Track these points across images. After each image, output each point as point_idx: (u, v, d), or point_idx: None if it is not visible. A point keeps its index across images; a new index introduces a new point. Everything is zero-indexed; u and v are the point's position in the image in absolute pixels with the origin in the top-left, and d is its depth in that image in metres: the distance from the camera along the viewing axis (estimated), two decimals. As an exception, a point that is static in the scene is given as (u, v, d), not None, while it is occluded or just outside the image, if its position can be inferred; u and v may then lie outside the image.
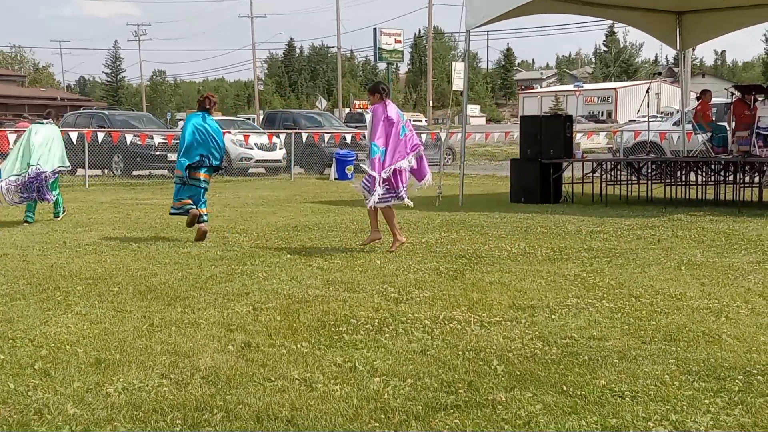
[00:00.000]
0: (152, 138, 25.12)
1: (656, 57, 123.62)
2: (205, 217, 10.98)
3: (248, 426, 4.23)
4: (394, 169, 9.82)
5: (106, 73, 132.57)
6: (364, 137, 28.17)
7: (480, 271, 8.44)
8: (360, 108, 71.00)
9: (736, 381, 4.82)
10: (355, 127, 33.18)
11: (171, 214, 11.26)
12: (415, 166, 10.09)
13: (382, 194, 9.78)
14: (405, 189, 10.00)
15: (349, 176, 25.91)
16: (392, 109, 9.84)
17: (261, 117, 50.13)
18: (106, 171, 25.63)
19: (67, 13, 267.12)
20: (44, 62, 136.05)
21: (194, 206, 10.88)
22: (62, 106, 71.97)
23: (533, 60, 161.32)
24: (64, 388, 4.78)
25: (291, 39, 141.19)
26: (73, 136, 23.69)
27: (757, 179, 15.80)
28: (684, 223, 12.44)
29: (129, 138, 23.91)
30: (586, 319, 6.37)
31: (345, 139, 27.90)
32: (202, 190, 11.00)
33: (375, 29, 78.45)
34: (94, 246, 10.46)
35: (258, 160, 27.79)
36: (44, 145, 13.16)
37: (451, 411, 4.39)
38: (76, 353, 5.46)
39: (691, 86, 25.43)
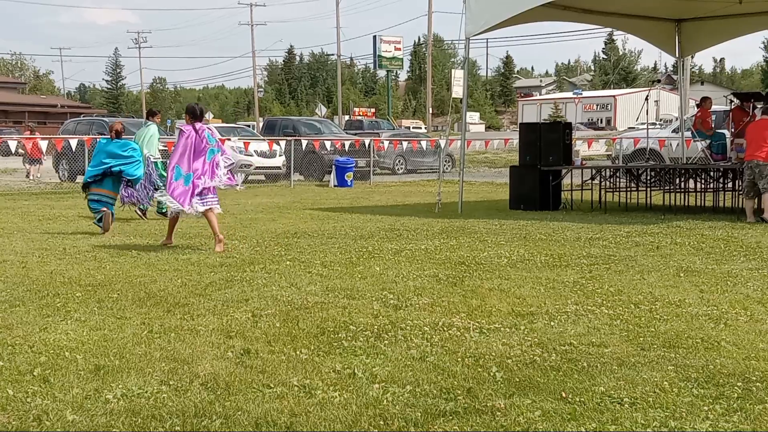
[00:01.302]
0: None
1: (655, 64, 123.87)
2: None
3: (247, 432, 4.23)
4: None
5: (107, 80, 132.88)
6: (365, 145, 28.39)
7: (479, 278, 8.44)
8: (360, 115, 71.20)
9: (735, 388, 4.83)
10: (355, 134, 33.20)
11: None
12: (221, 185, 10.85)
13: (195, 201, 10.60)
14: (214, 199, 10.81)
15: (349, 183, 25.92)
16: (200, 132, 10.63)
17: (261, 124, 50.19)
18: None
19: (67, 20, 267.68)
20: (44, 69, 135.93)
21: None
22: (62, 113, 72.10)
23: (532, 67, 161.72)
24: (63, 394, 4.78)
25: (291, 46, 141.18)
26: (73, 143, 23.71)
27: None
28: (683, 230, 12.45)
29: (129, 145, 23.90)
30: (585, 325, 6.38)
31: (344, 147, 27.93)
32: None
33: (375, 37, 78.71)
34: (94, 252, 10.46)
35: (257, 167, 27.82)
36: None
37: (450, 418, 4.39)
38: (75, 360, 5.46)
39: (690, 93, 25.49)
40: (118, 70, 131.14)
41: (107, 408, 4.54)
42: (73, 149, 23.74)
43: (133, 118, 49.41)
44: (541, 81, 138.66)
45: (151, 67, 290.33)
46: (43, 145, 25.09)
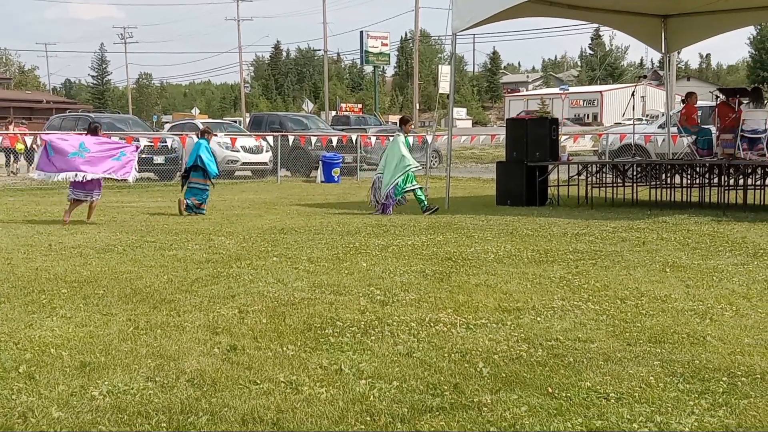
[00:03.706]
0: (138, 140, 25.03)
1: (642, 60, 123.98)
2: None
3: (234, 429, 4.22)
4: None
5: (92, 76, 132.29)
6: (351, 140, 28.36)
7: (466, 274, 8.45)
8: (347, 111, 71.11)
9: (721, 382, 4.85)
10: (342, 130, 33.16)
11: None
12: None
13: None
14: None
15: (336, 179, 25.89)
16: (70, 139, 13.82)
17: (247, 120, 50.07)
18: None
19: (53, 15, 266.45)
20: (30, 65, 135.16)
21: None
22: (48, 108, 71.75)
23: (519, 63, 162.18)
24: (48, 391, 4.76)
25: (277, 42, 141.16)
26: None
27: (741, 182, 15.87)
28: (669, 226, 12.48)
29: (114, 141, 23.82)
30: (571, 321, 6.39)
31: (331, 142, 27.89)
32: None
33: (362, 32, 78.58)
34: (80, 249, 10.42)
35: (244, 163, 27.76)
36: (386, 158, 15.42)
37: (437, 413, 4.39)
38: (61, 356, 5.44)
39: (676, 89, 25.55)
40: (104, 66, 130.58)
41: (93, 405, 4.53)
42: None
43: (119, 113, 49.24)
44: (527, 76, 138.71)
45: (137, 62, 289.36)
46: (28, 140, 25.00)
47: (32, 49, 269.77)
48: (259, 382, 4.91)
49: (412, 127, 16.15)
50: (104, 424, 4.27)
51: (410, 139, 15.60)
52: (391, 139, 16.16)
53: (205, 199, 15.31)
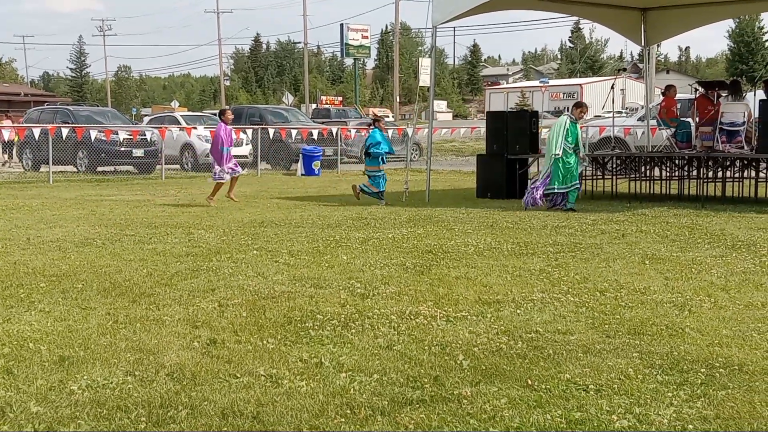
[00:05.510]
0: (117, 134, 24.92)
1: (621, 53, 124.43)
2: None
3: (213, 423, 4.21)
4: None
5: (71, 69, 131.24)
6: (332, 133, 28.34)
7: (446, 266, 8.46)
8: (327, 104, 70.99)
9: (699, 374, 4.88)
10: (322, 123, 33.09)
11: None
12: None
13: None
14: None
15: (316, 172, 25.84)
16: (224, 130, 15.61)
17: (227, 113, 49.81)
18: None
19: (31, 8, 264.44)
20: (7, 57, 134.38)
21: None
22: (26, 101, 71.22)
23: (499, 56, 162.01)
24: (27, 386, 4.73)
25: (257, 34, 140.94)
26: (37, 131, 23.46)
27: (720, 174, 15.96)
28: (648, 218, 12.55)
29: (93, 134, 23.69)
30: (551, 313, 6.41)
31: (312, 135, 27.84)
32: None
33: (342, 25, 78.39)
34: (58, 242, 10.36)
35: (224, 156, 27.60)
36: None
37: (417, 406, 4.40)
38: (40, 351, 5.41)
39: (655, 82, 25.62)
40: (83, 58, 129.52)
41: (72, 399, 4.50)
42: (37, 138, 23.46)
43: (98, 106, 48.92)
44: (508, 69, 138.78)
45: (116, 55, 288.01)
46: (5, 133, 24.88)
47: (10, 42, 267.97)
48: (239, 375, 4.90)
49: (584, 114, 14.35)
50: (83, 418, 4.25)
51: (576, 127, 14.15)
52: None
53: (380, 183, 15.67)
